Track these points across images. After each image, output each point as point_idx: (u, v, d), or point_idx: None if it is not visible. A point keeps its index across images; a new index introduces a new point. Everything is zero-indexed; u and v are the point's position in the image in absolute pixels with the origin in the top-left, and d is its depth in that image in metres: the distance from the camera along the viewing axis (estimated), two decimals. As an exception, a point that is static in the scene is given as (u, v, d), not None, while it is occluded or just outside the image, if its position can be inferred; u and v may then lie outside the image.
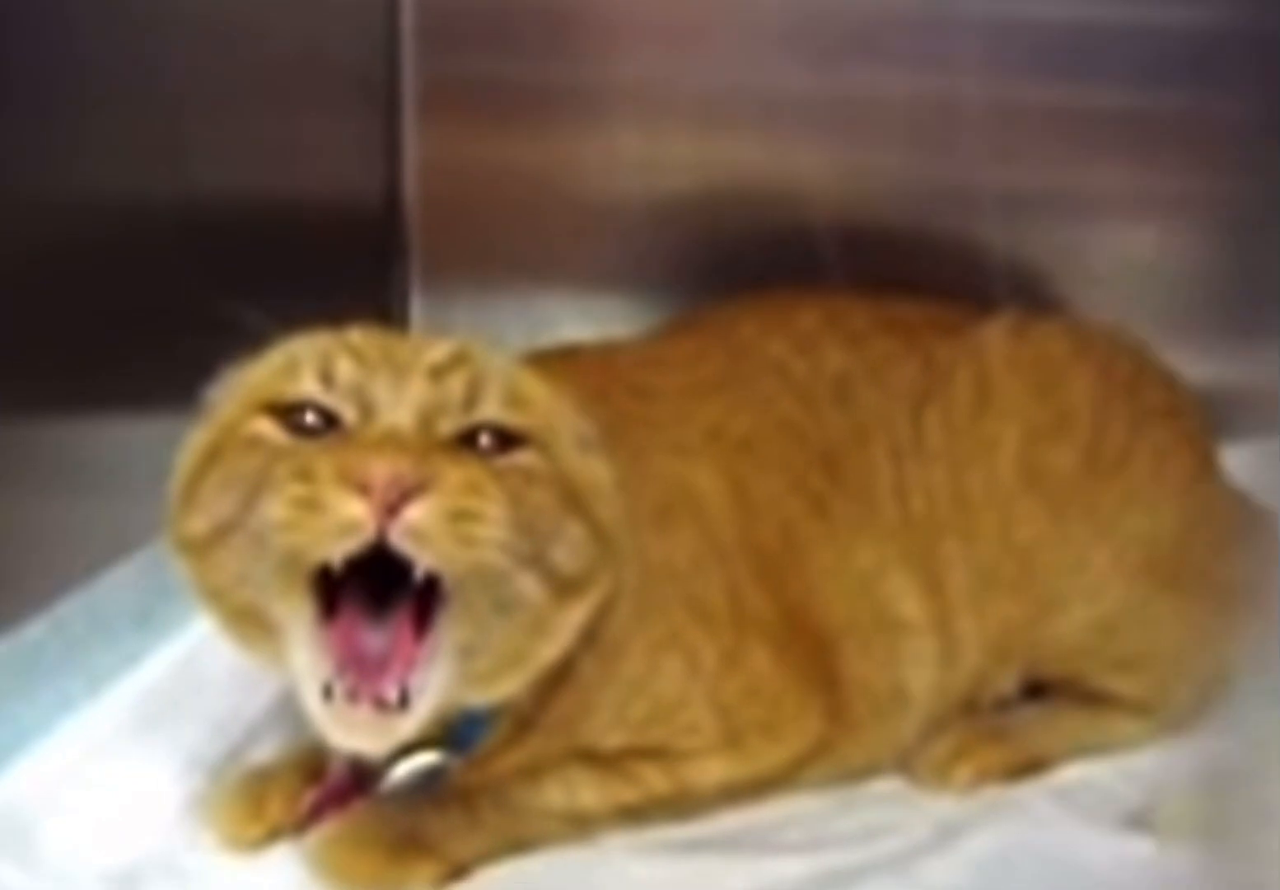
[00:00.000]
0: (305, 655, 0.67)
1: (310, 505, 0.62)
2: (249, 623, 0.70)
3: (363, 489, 0.62)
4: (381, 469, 0.62)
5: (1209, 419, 0.96)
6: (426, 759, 0.75)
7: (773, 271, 1.17)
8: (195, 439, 0.73)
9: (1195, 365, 1.00)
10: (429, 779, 0.76)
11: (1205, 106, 1.16)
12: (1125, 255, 1.20)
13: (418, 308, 1.28)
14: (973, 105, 1.18)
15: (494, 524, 0.64)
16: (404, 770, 0.75)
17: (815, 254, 1.20)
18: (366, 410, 0.67)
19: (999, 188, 1.19)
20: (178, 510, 0.71)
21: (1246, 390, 1.18)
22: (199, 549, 0.70)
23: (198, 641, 0.92)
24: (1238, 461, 1.00)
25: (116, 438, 0.96)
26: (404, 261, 1.27)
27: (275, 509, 0.63)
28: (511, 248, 1.25)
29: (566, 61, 1.22)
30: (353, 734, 0.66)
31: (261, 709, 0.88)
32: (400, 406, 0.67)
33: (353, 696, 0.65)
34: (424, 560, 0.63)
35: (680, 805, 0.82)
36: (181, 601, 0.93)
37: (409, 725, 0.66)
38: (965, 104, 1.18)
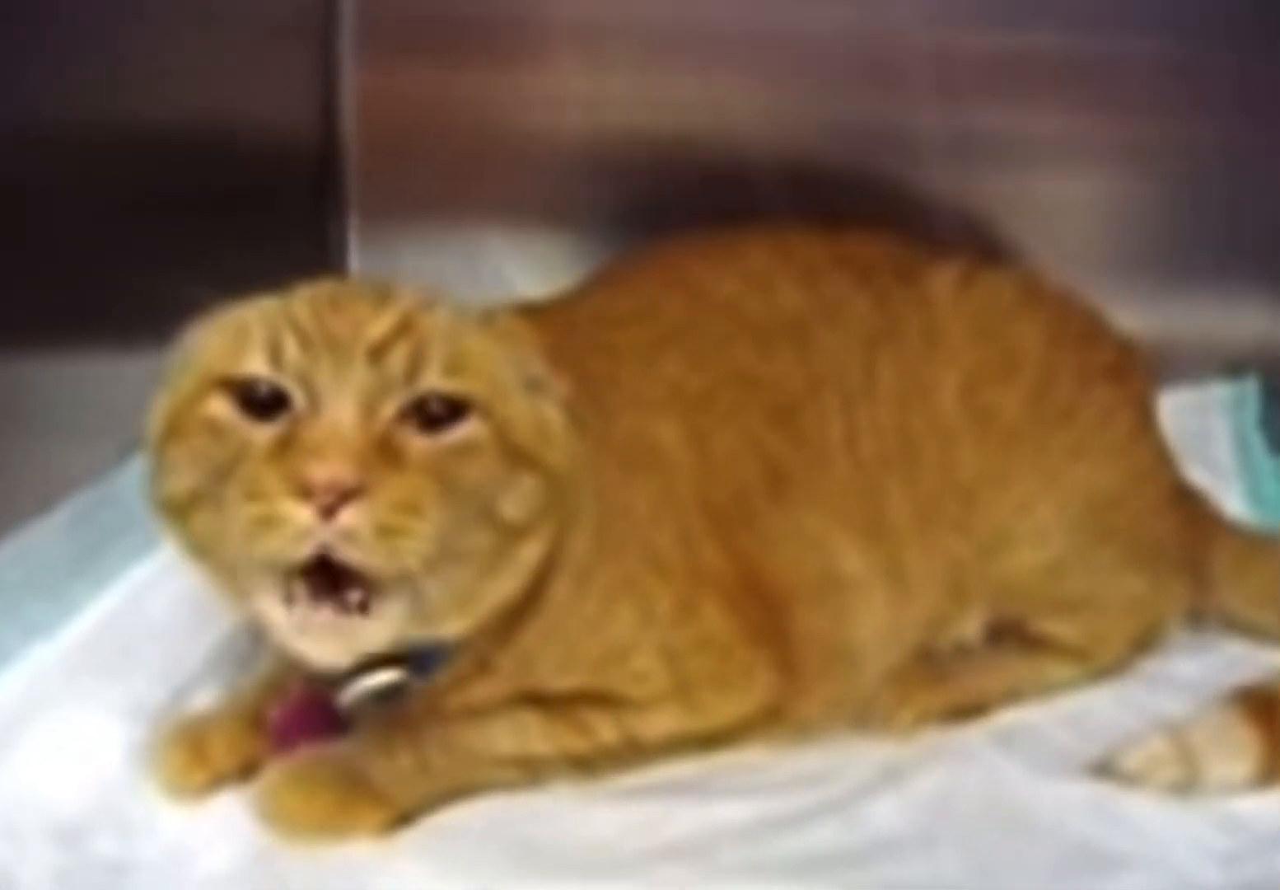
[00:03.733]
0: (270, 579, 0.70)
1: (266, 521, 0.67)
2: (230, 574, 0.73)
3: (307, 493, 0.66)
4: (321, 474, 0.66)
5: (1152, 379, 0.97)
6: (386, 676, 0.76)
7: (714, 209, 1.16)
8: (158, 405, 0.75)
9: (1133, 309, 1.01)
10: (388, 697, 0.77)
11: (1150, 51, 1.17)
12: (1067, 198, 1.21)
13: (355, 239, 1.27)
14: (916, 46, 1.18)
15: (418, 539, 0.68)
16: (363, 686, 0.76)
17: (756, 193, 1.20)
18: (312, 395, 0.70)
19: (942, 129, 1.19)
20: (153, 474, 0.74)
21: (1183, 335, 1.20)
22: (177, 512, 0.73)
23: (135, 588, 0.91)
24: (1170, 409, 1.01)
25: (46, 378, 0.94)
26: (342, 194, 1.26)
27: (236, 527, 0.68)
28: (450, 183, 1.24)
29: (508, -4, 1.20)
30: (317, 640, 0.70)
31: (201, 656, 0.87)
32: (343, 392, 0.70)
33: (315, 601, 0.69)
34: (352, 560, 0.68)
35: (628, 756, 0.82)
36: (117, 548, 0.93)
37: (371, 632, 0.70)
38: (909, 44, 1.18)
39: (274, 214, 1.18)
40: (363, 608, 0.69)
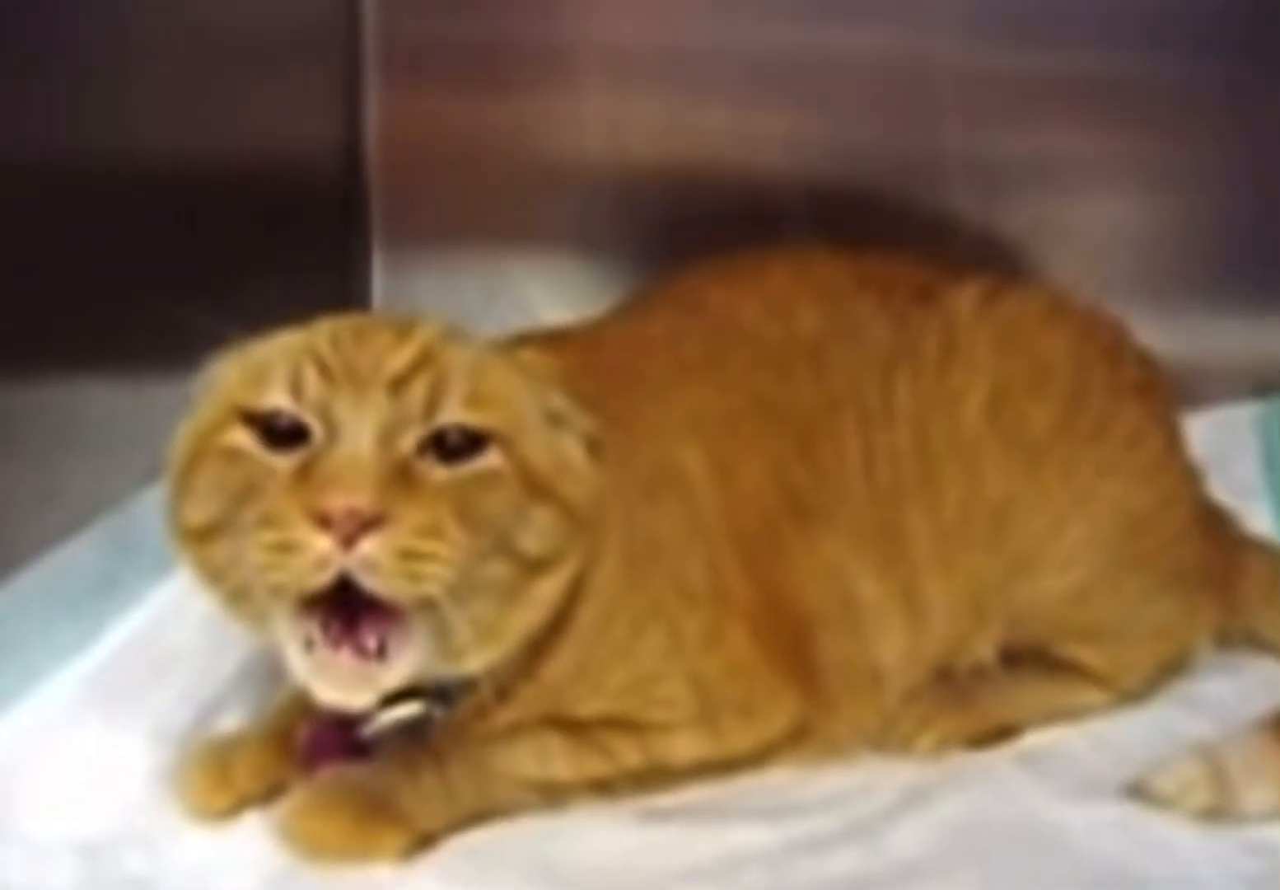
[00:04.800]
0: (290, 618, 0.71)
1: (284, 548, 0.68)
2: (244, 600, 0.73)
3: (325, 523, 0.67)
4: (338, 503, 0.67)
5: (1180, 399, 0.96)
6: (411, 708, 0.77)
7: (739, 235, 1.16)
8: (181, 434, 0.76)
9: (1162, 329, 1.01)
10: (414, 729, 0.78)
11: (1177, 74, 1.17)
12: (1094, 220, 1.21)
13: (379, 269, 1.27)
14: (945, 70, 1.18)
15: (442, 563, 0.69)
16: (388, 717, 0.77)
17: (780, 218, 1.20)
18: (331, 427, 0.71)
19: (970, 154, 1.19)
20: (174, 501, 0.75)
21: (1211, 356, 1.20)
22: (195, 539, 0.74)
23: (161, 610, 0.91)
24: (1198, 429, 1.00)
25: (68, 404, 0.95)
26: (365, 222, 1.27)
27: (253, 554, 0.68)
28: (474, 209, 1.24)
29: (529, 22, 1.21)
30: (334, 684, 0.70)
31: (227, 677, 0.88)
32: (362, 424, 0.70)
33: (334, 645, 0.70)
34: (375, 589, 0.68)
35: (651, 780, 0.82)
36: (143, 570, 0.94)
37: (388, 677, 0.70)
38: (937, 69, 1.18)
39: (298, 241, 1.19)
40: (380, 652, 0.70)
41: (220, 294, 1.03)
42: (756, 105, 1.21)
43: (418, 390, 0.71)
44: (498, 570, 0.72)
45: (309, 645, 0.70)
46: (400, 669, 0.70)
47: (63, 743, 0.83)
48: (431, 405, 0.71)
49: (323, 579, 0.67)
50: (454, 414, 0.72)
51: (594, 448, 0.77)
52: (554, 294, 1.22)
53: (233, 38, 1.08)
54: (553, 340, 0.88)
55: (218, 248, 1.07)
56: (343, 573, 0.67)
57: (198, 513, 0.73)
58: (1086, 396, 0.89)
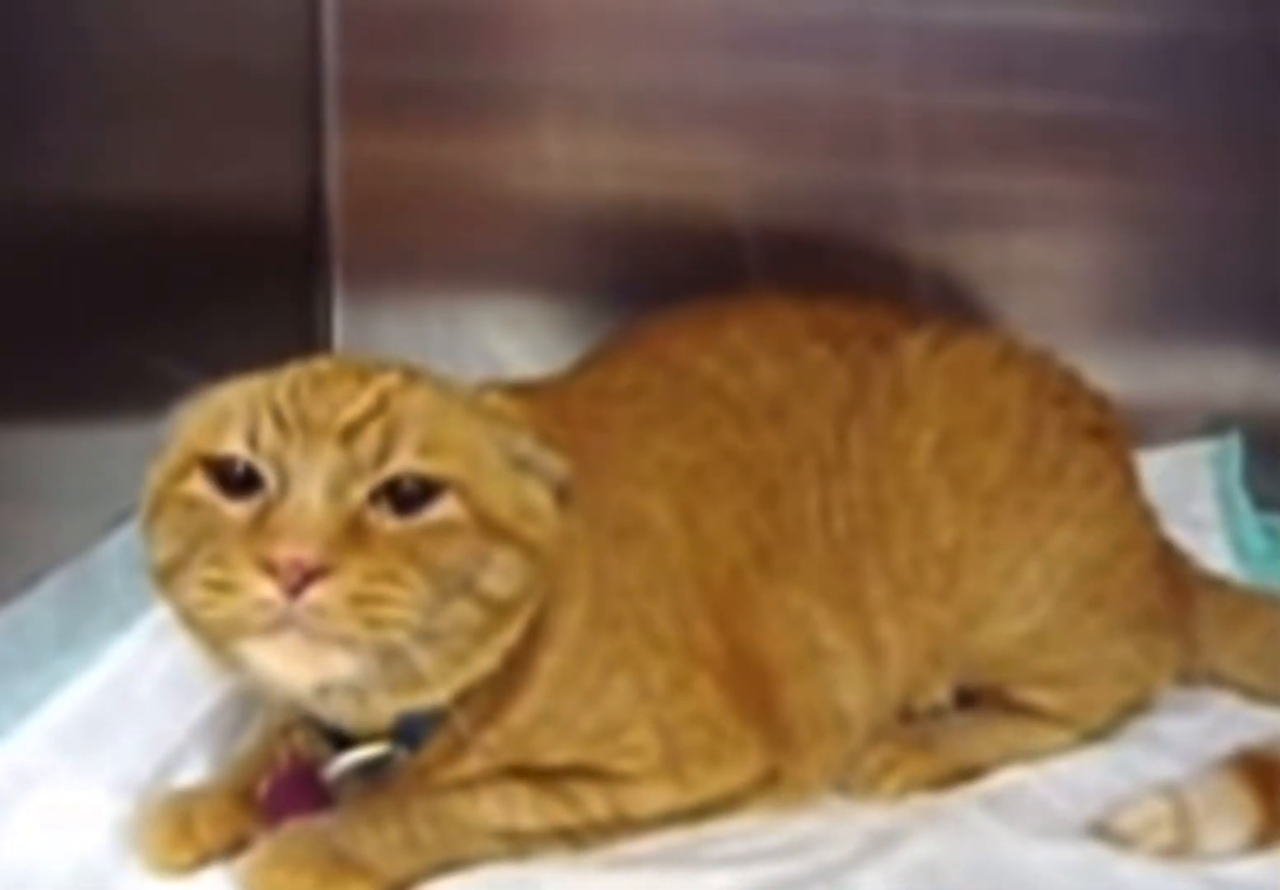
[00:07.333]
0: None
1: (223, 587, 0.68)
2: (216, 645, 0.73)
3: (271, 572, 0.67)
4: (284, 554, 0.67)
5: (1136, 438, 0.97)
6: (373, 749, 0.77)
7: (697, 275, 1.18)
8: (149, 478, 0.76)
9: (1117, 368, 1.02)
10: (375, 770, 0.77)
11: (1129, 114, 1.18)
12: (1050, 260, 1.22)
13: (341, 312, 1.27)
14: (896, 110, 1.19)
15: (400, 606, 0.69)
16: (350, 759, 0.77)
17: (739, 257, 1.21)
18: (284, 477, 0.70)
19: (922, 193, 1.20)
20: (145, 543, 0.75)
21: (1167, 394, 1.21)
22: (163, 577, 0.74)
23: (122, 662, 0.91)
24: (1154, 468, 1.01)
25: (32, 450, 0.94)
26: (327, 265, 1.27)
27: (193, 591, 0.69)
28: (435, 250, 1.25)
29: (490, 63, 1.21)
30: (289, 663, 0.69)
31: (189, 730, 0.87)
32: (312, 475, 0.70)
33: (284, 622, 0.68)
34: (332, 633, 0.68)
35: (618, 831, 0.82)
36: (104, 621, 0.93)
37: (342, 661, 0.69)
38: (889, 108, 1.19)
39: (260, 285, 1.19)
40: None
41: (182, 339, 1.04)
42: (712, 144, 1.21)
43: (369, 439, 0.71)
44: (463, 613, 0.72)
45: (264, 632, 0.69)
46: (354, 657, 0.69)
47: (25, 797, 0.82)
48: (383, 454, 0.71)
49: (262, 619, 0.67)
50: (406, 462, 0.71)
51: (562, 492, 0.77)
52: (515, 334, 1.23)
53: (192, 85, 1.08)
54: (520, 391, 0.88)
55: (180, 293, 1.06)
56: (288, 620, 0.67)
57: (162, 556, 0.73)
58: (1040, 440, 0.90)
